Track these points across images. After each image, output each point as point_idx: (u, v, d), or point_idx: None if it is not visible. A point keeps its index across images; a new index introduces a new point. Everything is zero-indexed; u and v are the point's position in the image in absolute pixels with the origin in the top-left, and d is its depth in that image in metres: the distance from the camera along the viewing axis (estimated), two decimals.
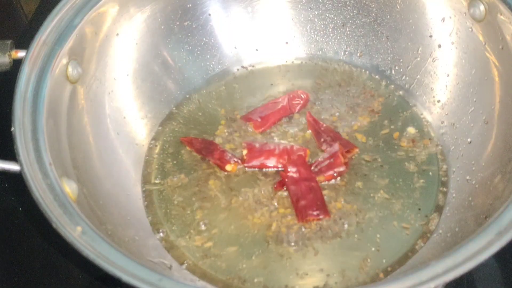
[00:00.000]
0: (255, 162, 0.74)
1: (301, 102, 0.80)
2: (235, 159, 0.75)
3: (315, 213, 0.68)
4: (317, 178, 0.72)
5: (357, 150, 0.75)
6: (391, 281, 0.50)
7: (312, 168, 0.73)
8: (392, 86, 0.83)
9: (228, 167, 0.74)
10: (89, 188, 0.66)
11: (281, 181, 0.73)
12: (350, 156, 0.74)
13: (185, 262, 0.68)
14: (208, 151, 0.76)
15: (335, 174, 0.73)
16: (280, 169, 0.74)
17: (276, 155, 0.74)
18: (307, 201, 0.69)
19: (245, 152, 0.75)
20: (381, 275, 0.65)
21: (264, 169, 0.74)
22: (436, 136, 0.77)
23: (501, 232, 0.52)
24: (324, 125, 0.77)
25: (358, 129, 0.78)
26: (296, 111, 0.80)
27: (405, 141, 0.76)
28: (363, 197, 0.72)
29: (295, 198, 0.70)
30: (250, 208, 0.71)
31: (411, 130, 0.78)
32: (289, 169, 0.72)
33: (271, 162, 0.74)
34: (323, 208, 0.69)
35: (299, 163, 0.72)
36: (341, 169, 0.72)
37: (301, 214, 0.69)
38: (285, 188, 0.72)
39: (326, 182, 0.73)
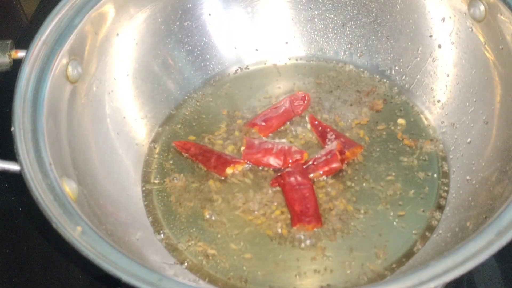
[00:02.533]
0: (251, 158, 0.74)
1: (303, 103, 0.80)
2: (235, 160, 0.74)
3: (307, 219, 0.68)
4: (313, 174, 0.72)
5: (361, 149, 0.75)
6: (391, 281, 0.50)
7: (309, 163, 0.73)
8: (392, 86, 0.83)
9: (229, 170, 0.74)
10: (89, 188, 0.66)
11: (277, 177, 0.73)
12: (354, 157, 0.74)
13: (186, 262, 0.68)
14: (204, 158, 0.75)
15: (329, 169, 0.73)
16: (275, 167, 0.74)
17: (273, 154, 0.74)
18: (302, 208, 0.69)
19: (243, 148, 0.75)
20: (385, 273, 0.65)
21: (264, 169, 0.74)
22: (436, 136, 0.77)
23: (501, 232, 0.52)
24: (328, 126, 0.77)
25: (359, 129, 0.78)
26: (299, 113, 0.80)
27: (405, 141, 0.76)
28: (364, 196, 0.71)
29: (290, 203, 0.70)
30: (250, 208, 0.71)
31: (410, 130, 0.78)
32: (286, 175, 0.72)
33: (267, 160, 0.74)
34: (316, 217, 0.69)
35: (297, 169, 0.72)
36: (336, 165, 0.72)
37: (293, 220, 0.69)
38: (278, 186, 0.72)
39: (328, 180, 0.73)
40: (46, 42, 0.68)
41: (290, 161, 0.74)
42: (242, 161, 0.74)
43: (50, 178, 0.58)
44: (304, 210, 0.69)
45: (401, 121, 0.79)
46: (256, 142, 0.76)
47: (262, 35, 0.87)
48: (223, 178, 0.74)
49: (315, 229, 0.68)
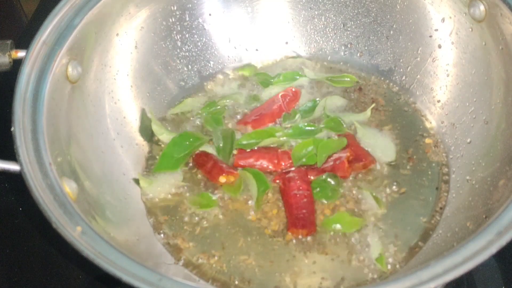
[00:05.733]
0: (244, 163, 0.74)
1: (294, 98, 0.80)
2: (229, 170, 0.73)
3: (301, 224, 0.68)
4: (318, 177, 0.72)
5: (374, 163, 0.74)
6: (391, 281, 0.50)
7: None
8: (392, 86, 0.83)
9: (222, 179, 0.73)
10: (89, 188, 0.66)
11: (281, 174, 0.73)
12: (365, 169, 0.73)
13: (186, 261, 0.68)
14: (202, 161, 0.75)
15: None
16: (270, 170, 0.74)
17: (266, 157, 0.74)
18: (298, 213, 0.69)
19: (235, 152, 0.75)
20: (386, 273, 0.65)
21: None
22: (436, 136, 0.77)
23: (501, 232, 0.52)
24: (350, 134, 0.76)
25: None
26: (290, 108, 0.80)
27: (405, 141, 0.76)
28: (364, 197, 0.72)
29: (287, 208, 0.70)
30: (251, 208, 0.71)
31: (410, 130, 0.78)
32: (287, 180, 0.72)
33: (261, 164, 0.74)
34: (310, 223, 0.68)
35: (299, 174, 0.72)
36: (341, 174, 0.72)
37: (288, 224, 0.69)
38: (279, 183, 0.73)
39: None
40: (46, 42, 0.68)
41: (283, 164, 0.74)
42: (235, 172, 0.74)
43: (50, 178, 0.58)
44: (299, 215, 0.69)
45: (400, 121, 0.79)
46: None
47: (262, 35, 0.87)
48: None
49: (312, 234, 0.68)
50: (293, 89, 0.81)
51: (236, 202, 0.72)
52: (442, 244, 0.65)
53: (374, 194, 0.70)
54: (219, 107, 0.81)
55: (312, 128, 0.77)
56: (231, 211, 0.71)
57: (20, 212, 0.80)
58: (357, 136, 0.76)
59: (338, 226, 0.68)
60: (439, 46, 0.79)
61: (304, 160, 0.74)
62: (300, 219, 0.68)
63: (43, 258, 0.76)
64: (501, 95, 0.70)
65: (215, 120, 0.79)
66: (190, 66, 0.85)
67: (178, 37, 0.83)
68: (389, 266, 0.66)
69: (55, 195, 0.57)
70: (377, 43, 0.84)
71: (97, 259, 0.52)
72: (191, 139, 0.76)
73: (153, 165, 0.76)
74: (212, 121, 0.79)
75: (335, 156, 0.73)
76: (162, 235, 0.70)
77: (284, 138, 0.76)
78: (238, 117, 0.80)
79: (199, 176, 0.75)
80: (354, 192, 0.72)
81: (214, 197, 0.72)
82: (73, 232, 0.54)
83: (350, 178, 0.73)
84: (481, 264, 0.50)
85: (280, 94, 0.80)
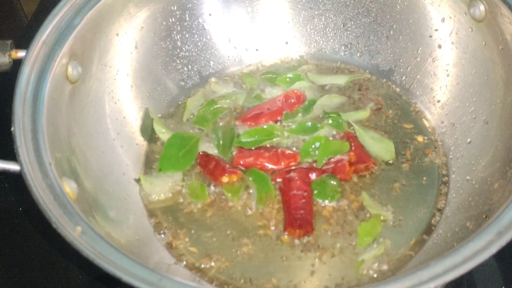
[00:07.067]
0: (244, 162, 0.74)
1: (297, 101, 0.80)
2: (232, 170, 0.74)
3: (297, 224, 0.68)
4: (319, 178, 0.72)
5: (375, 166, 0.74)
6: (391, 281, 0.50)
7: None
8: (392, 86, 0.83)
9: (224, 179, 0.73)
10: (89, 188, 0.66)
11: (282, 173, 0.73)
12: (367, 171, 0.73)
13: (186, 261, 0.68)
14: (204, 162, 0.75)
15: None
16: (270, 169, 0.74)
17: (265, 157, 0.74)
18: (295, 213, 0.69)
19: (235, 152, 0.75)
20: (387, 273, 0.65)
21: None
22: (436, 136, 0.77)
23: (501, 232, 0.52)
24: (351, 135, 0.76)
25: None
26: (292, 109, 0.80)
27: (405, 141, 0.77)
28: (364, 198, 0.72)
29: (286, 207, 0.70)
30: (251, 208, 0.71)
31: (410, 130, 0.78)
32: (287, 180, 0.72)
33: (261, 162, 0.74)
34: (307, 223, 0.68)
35: (299, 174, 0.72)
36: (341, 176, 0.72)
37: (285, 224, 0.69)
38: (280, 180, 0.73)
39: None
40: (46, 42, 0.68)
41: (283, 163, 0.74)
42: (238, 171, 0.74)
43: (50, 178, 0.58)
44: (296, 216, 0.69)
45: (400, 121, 0.79)
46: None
47: (262, 35, 0.87)
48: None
49: (317, 229, 0.68)
50: (298, 92, 0.81)
51: (238, 203, 0.72)
52: (442, 244, 0.65)
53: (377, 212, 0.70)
54: (218, 106, 0.81)
55: (314, 125, 0.77)
56: (232, 211, 0.71)
57: (20, 212, 0.80)
58: (357, 136, 0.76)
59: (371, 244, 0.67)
60: (439, 46, 0.79)
61: (311, 157, 0.74)
62: (298, 219, 0.68)
63: (43, 258, 0.76)
64: (501, 95, 0.70)
65: (205, 120, 0.79)
66: (190, 66, 0.85)
67: (178, 37, 0.83)
68: (389, 267, 0.66)
69: (55, 195, 0.57)
70: (377, 43, 0.84)
71: (97, 259, 0.52)
72: (184, 138, 0.76)
73: (153, 165, 0.76)
74: (202, 120, 0.79)
75: (337, 158, 0.73)
76: (162, 235, 0.70)
77: (285, 135, 0.76)
78: (237, 115, 0.80)
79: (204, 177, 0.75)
80: (354, 193, 0.72)
81: (210, 194, 0.73)
82: (73, 232, 0.54)
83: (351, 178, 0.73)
84: (481, 264, 0.50)
85: (283, 95, 0.80)
